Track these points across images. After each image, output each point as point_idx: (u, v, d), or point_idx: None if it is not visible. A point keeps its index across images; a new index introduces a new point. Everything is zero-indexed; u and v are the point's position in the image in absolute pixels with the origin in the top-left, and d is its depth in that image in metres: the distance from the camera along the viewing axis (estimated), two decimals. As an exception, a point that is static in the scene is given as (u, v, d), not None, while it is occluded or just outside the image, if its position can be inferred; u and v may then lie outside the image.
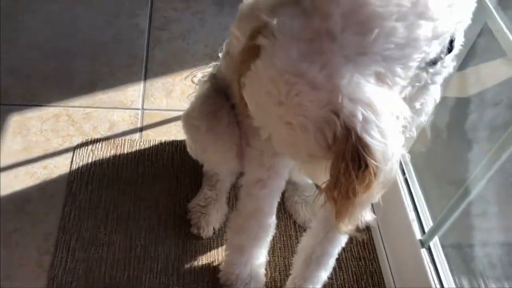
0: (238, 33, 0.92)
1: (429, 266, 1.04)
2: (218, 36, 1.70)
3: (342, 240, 1.03)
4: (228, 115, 1.04)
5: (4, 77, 1.44)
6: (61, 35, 1.61)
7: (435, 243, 1.09)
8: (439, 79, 0.75)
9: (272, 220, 1.06)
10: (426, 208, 1.17)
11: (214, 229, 1.22)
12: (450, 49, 0.67)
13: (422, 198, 1.20)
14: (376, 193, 0.68)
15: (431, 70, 0.68)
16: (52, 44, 1.58)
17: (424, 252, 1.07)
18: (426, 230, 1.10)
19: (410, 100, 0.73)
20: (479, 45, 1.07)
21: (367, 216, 0.82)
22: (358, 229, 0.78)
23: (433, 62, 0.66)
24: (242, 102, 0.78)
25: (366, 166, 0.60)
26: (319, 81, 0.58)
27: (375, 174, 0.60)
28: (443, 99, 1.32)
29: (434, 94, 0.78)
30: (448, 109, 1.34)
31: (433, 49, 0.63)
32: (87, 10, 1.71)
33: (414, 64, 0.61)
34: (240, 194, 1.04)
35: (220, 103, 1.04)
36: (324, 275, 1.07)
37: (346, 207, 0.67)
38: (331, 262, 1.06)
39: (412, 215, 1.14)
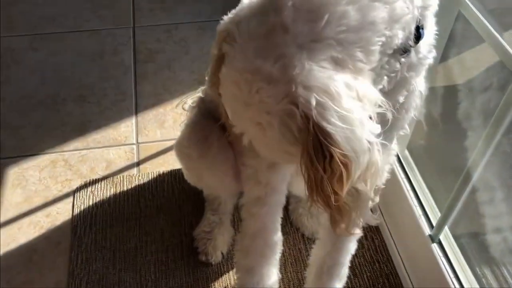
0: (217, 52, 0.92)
1: (442, 261, 1.03)
2: (203, 61, 1.71)
3: (352, 248, 1.02)
4: (219, 138, 1.04)
5: (-3, 131, 1.46)
6: (48, 82, 1.62)
7: (446, 236, 1.07)
8: (420, 71, 0.74)
9: (278, 237, 1.05)
10: (432, 202, 1.16)
11: (222, 253, 1.21)
12: (418, 36, 0.66)
13: (427, 192, 1.19)
14: (369, 192, 0.66)
15: (402, 59, 0.67)
16: (40, 92, 1.59)
17: (435, 247, 1.05)
18: (434, 224, 1.09)
19: (391, 93, 0.73)
20: (457, 33, 1.07)
21: (367, 219, 0.80)
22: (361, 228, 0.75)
23: (404, 51, 0.66)
24: (224, 115, 0.78)
25: (332, 156, 0.58)
26: (275, 75, 0.57)
27: (344, 164, 0.58)
28: (433, 89, 1.32)
29: (419, 87, 0.77)
30: (439, 99, 1.34)
31: (396, 34, 0.62)
32: (71, 54, 1.73)
33: (375, 47, 0.60)
34: (242, 215, 1.04)
35: (209, 127, 1.04)
36: (338, 285, 1.06)
37: (339, 212, 0.65)
38: (344, 272, 1.05)
39: (418, 211, 1.13)
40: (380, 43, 0.61)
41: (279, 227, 1.05)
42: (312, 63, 0.57)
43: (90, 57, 1.72)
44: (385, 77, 0.68)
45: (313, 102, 0.56)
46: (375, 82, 0.65)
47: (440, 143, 1.35)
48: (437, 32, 0.73)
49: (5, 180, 1.34)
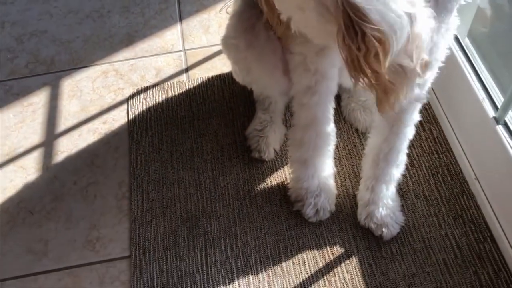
0: None
1: (508, 142, 0.98)
2: (245, -38, 1.63)
3: (409, 133, 0.98)
4: (266, 28, 1.00)
5: (48, 47, 1.48)
6: (91, -4, 1.62)
7: (510, 119, 1.01)
8: None
9: (331, 127, 1.03)
10: (494, 86, 1.10)
11: (275, 150, 1.21)
12: None
13: (489, 76, 1.12)
14: (415, 67, 0.61)
15: None
16: (85, 6, 1.59)
17: (500, 128, 1.00)
18: (499, 106, 1.03)
19: None
20: None
21: (416, 95, 0.74)
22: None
23: None
24: (266, 11, 0.76)
25: (364, 32, 0.54)
26: None
27: (379, 40, 0.55)
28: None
29: None
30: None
31: None
32: (111, -33, 1.70)
33: None
34: (293, 107, 1.02)
35: (255, 16, 1.00)
36: (396, 172, 1.04)
37: (384, 90, 0.62)
38: (402, 158, 1.02)
39: (481, 94, 1.06)
40: None
41: (331, 118, 1.02)
42: None
43: (130, -32, 1.68)
44: None
45: None
46: None
47: (504, 29, 1.26)
48: None
49: (61, 92, 1.38)
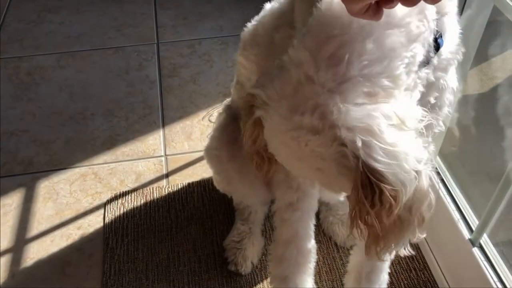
0: (244, 60, 0.94)
1: (484, 265, 1.00)
2: (227, 74, 1.72)
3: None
4: None
5: (27, 147, 1.48)
6: (76, 98, 1.65)
7: (485, 241, 1.04)
8: (449, 69, 0.73)
9: (311, 244, 1.03)
10: (468, 207, 1.13)
11: (252, 263, 1.19)
12: (437, 46, 0.66)
13: (462, 197, 1.16)
14: (412, 220, 0.63)
15: (426, 70, 0.67)
16: (69, 108, 1.61)
17: (476, 250, 1.02)
18: (474, 228, 1.06)
19: (422, 97, 0.72)
20: (495, 31, 1.05)
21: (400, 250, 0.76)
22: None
23: (427, 62, 0.66)
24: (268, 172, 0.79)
25: (381, 191, 0.58)
26: (316, 125, 0.59)
27: (394, 198, 0.59)
28: (464, 97, 1.30)
29: (450, 84, 0.76)
30: (471, 104, 1.32)
31: (416, 52, 0.62)
32: (97, 71, 1.76)
33: (399, 71, 0.61)
34: (274, 223, 1.02)
35: (238, 130, 1.04)
36: (378, 291, 1.03)
37: (374, 238, 0.64)
38: (383, 277, 1.02)
39: (456, 215, 1.10)
40: (403, 66, 0.61)
41: (312, 234, 1.03)
42: (347, 104, 0.58)
43: (116, 73, 1.75)
44: (421, 87, 0.68)
45: (359, 143, 0.57)
46: (412, 96, 0.66)
47: (474, 148, 1.33)
48: (461, 31, 0.72)
49: (37, 194, 1.35)
